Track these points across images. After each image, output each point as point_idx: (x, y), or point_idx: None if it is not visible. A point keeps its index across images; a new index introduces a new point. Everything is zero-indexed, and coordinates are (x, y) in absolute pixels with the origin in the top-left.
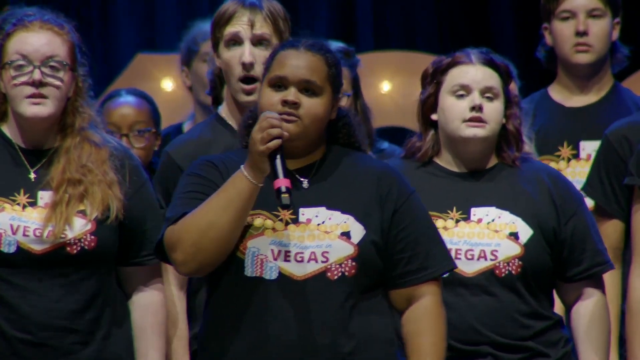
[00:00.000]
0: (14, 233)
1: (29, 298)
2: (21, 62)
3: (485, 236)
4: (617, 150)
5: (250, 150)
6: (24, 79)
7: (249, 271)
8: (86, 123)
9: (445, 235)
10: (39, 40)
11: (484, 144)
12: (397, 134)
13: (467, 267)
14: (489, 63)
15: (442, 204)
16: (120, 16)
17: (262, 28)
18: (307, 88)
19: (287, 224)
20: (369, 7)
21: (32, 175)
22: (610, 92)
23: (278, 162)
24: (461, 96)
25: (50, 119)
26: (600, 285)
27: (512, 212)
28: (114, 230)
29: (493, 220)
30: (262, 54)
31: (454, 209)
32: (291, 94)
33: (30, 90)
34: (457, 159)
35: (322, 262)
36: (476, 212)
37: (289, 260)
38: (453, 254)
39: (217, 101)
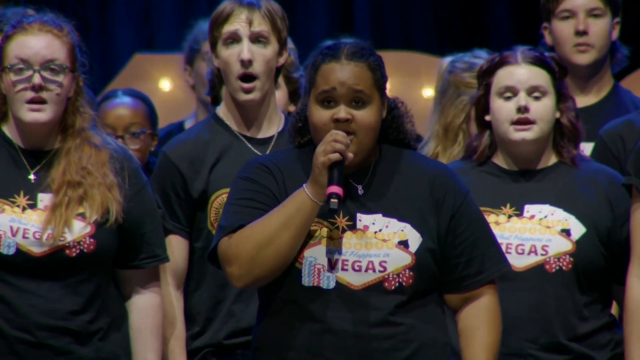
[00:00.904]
0: (13, 235)
1: (27, 298)
2: (21, 66)
3: (537, 231)
4: (612, 149)
5: (313, 164)
6: (24, 84)
7: (306, 281)
8: (87, 123)
9: (496, 230)
10: (39, 44)
11: (534, 145)
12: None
13: (518, 262)
14: (536, 61)
15: (496, 201)
16: (118, 16)
17: (260, 26)
18: (357, 99)
19: (343, 231)
20: (366, 7)
21: (32, 177)
22: (610, 93)
23: (335, 172)
24: (508, 98)
25: (49, 124)
26: None
27: (566, 209)
28: (113, 233)
29: (545, 217)
30: (260, 51)
31: (508, 205)
32: (342, 110)
33: (30, 94)
34: (512, 159)
35: (380, 271)
36: (530, 209)
37: (346, 270)
38: (504, 248)
39: (216, 101)
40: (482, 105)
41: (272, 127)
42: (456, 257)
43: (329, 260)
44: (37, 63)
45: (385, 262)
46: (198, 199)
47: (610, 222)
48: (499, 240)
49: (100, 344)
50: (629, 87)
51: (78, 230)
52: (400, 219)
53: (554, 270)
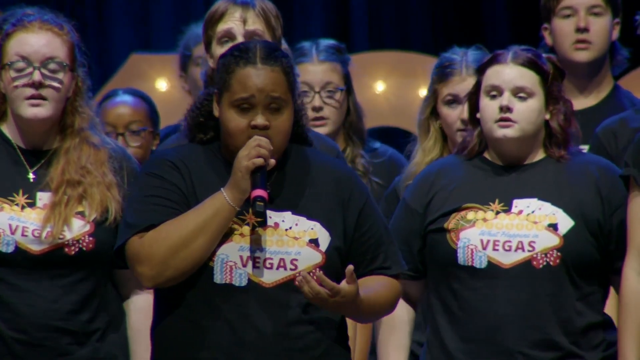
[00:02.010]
0: (12, 233)
1: (26, 298)
2: (21, 64)
3: (524, 227)
4: (605, 146)
5: (235, 168)
6: (23, 80)
7: (218, 278)
8: (86, 123)
9: (483, 227)
10: (39, 41)
11: (517, 143)
12: (391, 134)
13: (505, 258)
14: (525, 62)
15: (485, 196)
16: (115, 16)
17: (255, 24)
18: (274, 105)
19: (254, 227)
20: (363, 7)
21: (31, 176)
22: (609, 94)
23: (258, 176)
24: (494, 97)
25: (49, 121)
26: None
27: (554, 203)
28: (112, 233)
29: (533, 212)
30: None
31: (496, 200)
32: (259, 117)
33: (30, 91)
34: (499, 155)
35: (291, 269)
36: (518, 204)
37: (258, 267)
38: (491, 245)
39: None
40: (473, 102)
41: None
42: (361, 255)
43: (241, 258)
44: (37, 60)
45: (296, 260)
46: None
47: (600, 214)
48: (487, 237)
49: (98, 344)
50: (628, 86)
51: (77, 229)
52: (310, 218)
53: (541, 266)
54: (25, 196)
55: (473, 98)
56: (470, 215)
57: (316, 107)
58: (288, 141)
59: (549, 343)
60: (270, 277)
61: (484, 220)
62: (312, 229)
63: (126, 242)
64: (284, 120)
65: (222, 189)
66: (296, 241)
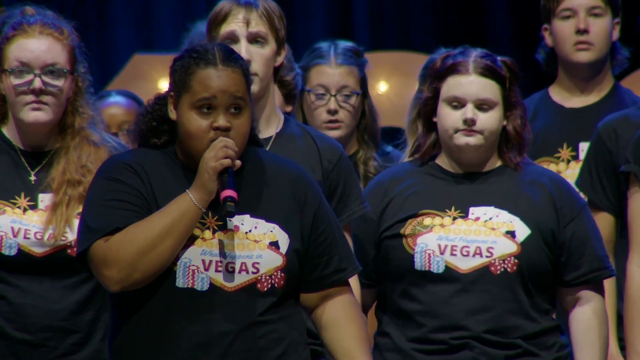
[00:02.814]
0: (15, 236)
1: (29, 299)
2: (21, 70)
3: (482, 233)
4: (606, 143)
5: (201, 169)
6: (24, 87)
7: (180, 282)
8: (86, 122)
9: (441, 232)
10: (39, 47)
11: (479, 151)
12: (393, 135)
13: (463, 264)
14: (486, 71)
15: (441, 203)
16: (117, 16)
17: (258, 26)
18: (235, 106)
19: (214, 231)
20: (365, 7)
21: (33, 178)
22: (610, 93)
23: (226, 177)
24: (455, 107)
25: (50, 124)
26: (599, 291)
27: (511, 211)
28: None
29: (490, 219)
30: (258, 51)
31: (453, 208)
32: (222, 118)
33: (30, 98)
34: (455, 163)
35: (253, 272)
36: (474, 211)
37: (220, 271)
38: (449, 250)
39: None
40: (430, 107)
41: (270, 127)
42: (317, 257)
43: (203, 262)
44: (38, 67)
45: (258, 263)
46: None
47: (554, 224)
48: (444, 242)
49: (102, 344)
50: (629, 87)
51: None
52: (269, 220)
53: (499, 272)
54: (27, 198)
55: (429, 103)
56: (427, 221)
57: (331, 110)
58: (246, 143)
59: (504, 345)
60: (232, 281)
61: (442, 225)
62: (271, 231)
63: (90, 246)
64: (244, 122)
65: (187, 190)
66: (257, 244)
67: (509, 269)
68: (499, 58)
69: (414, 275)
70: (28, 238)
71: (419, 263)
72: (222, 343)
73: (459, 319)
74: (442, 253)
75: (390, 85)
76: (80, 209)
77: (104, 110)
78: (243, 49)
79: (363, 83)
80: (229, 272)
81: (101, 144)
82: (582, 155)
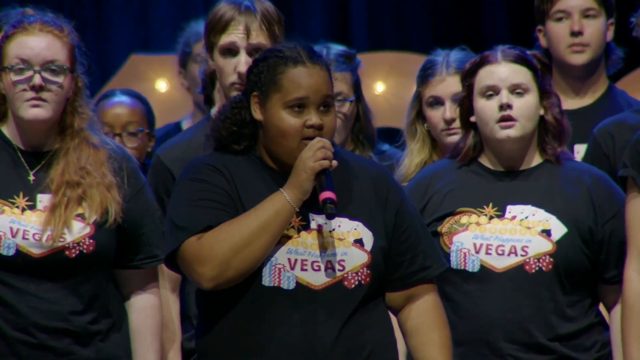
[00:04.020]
0: (13, 236)
1: (27, 299)
2: (21, 66)
3: (517, 232)
4: (602, 146)
5: (298, 168)
6: (24, 84)
7: (266, 281)
8: (85, 123)
9: (477, 231)
10: (39, 44)
11: (519, 143)
12: (391, 135)
13: (498, 263)
14: (516, 59)
15: (479, 201)
16: (115, 17)
17: (258, 37)
18: (325, 104)
19: (299, 231)
20: (363, 8)
21: (32, 178)
22: (605, 94)
23: (325, 178)
24: (490, 96)
25: (49, 122)
26: None
27: (547, 210)
28: (113, 234)
29: (527, 218)
30: None
31: (490, 205)
32: (314, 116)
33: (30, 94)
34: (497, 158)
35: (339, 270)
36: (511, 210)
37: (305, 270)
38: (484, 249)
39: (208, 100)
40: (466, 106)
41: None
42: (401, 255)
43: (289, 260)
44: (38, 64)
45: (343, 260)
46: None
47: (592, 222)
48: (479, 241)
49: (101, 345)
50: (624, 89)
51: (77, 231)
52: (352, 218)
53: (533, 271)
54: (26, 198)
55: (465, 102)
56: (464, 219)
57: None
58: None
59: (540, 347)
60: (318, 280)
61: (477, 224)
62: (355, 229)
63: (180, 245)
64: (333, 119)
65: (281, 189)
66: (341, 242)
67: (544, 268)
68: (528, 52)
69: (450, 274)
70: (26, 239)
71: (454, 262)
72: (309, 342)
73: (493, 318)
74: (477, 252)
75: (388, 85)
76: (79, 211)
77: (108, 110)
78: (242, 61)
79: (356, 87)
80: (315, 270)
81: (100, 145)
82: (577, 157)
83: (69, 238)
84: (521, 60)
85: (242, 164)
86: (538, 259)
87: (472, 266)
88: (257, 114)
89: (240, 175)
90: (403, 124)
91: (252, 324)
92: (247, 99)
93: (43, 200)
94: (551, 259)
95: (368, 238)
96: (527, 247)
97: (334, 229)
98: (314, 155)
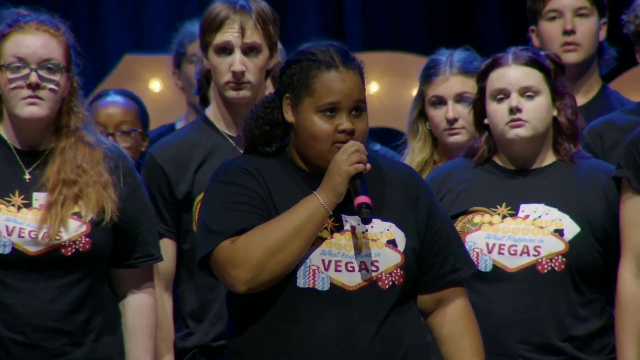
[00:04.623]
0: (9, 234)
1: (22, 299)
2: (17, 65)
3: (530, 232)
4: (591, 147)
5: (332, 172)
6: (20, 82)
7: (301, 282)
8: (81, 123)
9: (490, 230)
10: (36, 42)
11: (530, 143)
12: (385, 135)
13: (510, 263)
14: (527, 61)
15: (492, 200)
16: (109, 17)
17: (253, 36)
18: (357, 108)
19: (332, 232)
20: (357, 8)
21: (27, 176)
22: (597, 95)
23: (359, 182)
24: (501, 99)
25: (45, 120)
26: None
27: (561, 209)
28: (109, 233)
29: (540, 217)
30: (252, 61)
31: (503, 204)
32: (346, 121)
33: (26, 92)
34: (510, 158)
35: (373, 271)
36: (525, 209)
37: (340, 271)
38: (496, 249)
39: (204, 100)
40: (479, 108)
41: None
42: (433, 256)
43: (323, 262)
44: (34, 62)
45: (377, 261)
46: (183, 200)
47: (606, 220)
48: (492, 241)
49: (95, 345)
50: (618, 89)
51: (74, 229)
52: (384, 219)
53: (546, 270)
54: (22, 197)
55: (478, 104)
56: (477, 218)
57: None
58: None
59: (551, 348)
60: (352, 280)
61: (490, 224)
62: (387, 229)
63: (214, 249)
64: (365, 123)
65: (314, 192)
66: (375, 243)
67: (556, 268)
68: (542, 52)
69: None
70: (22, 237)
71: None
72: (345, 343)
73: (505, 318)
74: (489, 252)
75: (382, 85)
76: (75, 209)
77: (102, 109)
78: (237, 60)
79: None
80: (349, 271)
81: (96, 144)
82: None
83: (65, 236)
84: (532, 63)
85: (273, 166)
86: (550, 259)
87: (485, 266)
88: (289, 116)
89: (272, 178)
90: (397, 124)
91: (286, 325)
92: (279, 99)
93: (39, 198)
94: (564, 259)
95: (401, 239)
96: (539, 247)
97: (366, 230)
98: (349, 159)
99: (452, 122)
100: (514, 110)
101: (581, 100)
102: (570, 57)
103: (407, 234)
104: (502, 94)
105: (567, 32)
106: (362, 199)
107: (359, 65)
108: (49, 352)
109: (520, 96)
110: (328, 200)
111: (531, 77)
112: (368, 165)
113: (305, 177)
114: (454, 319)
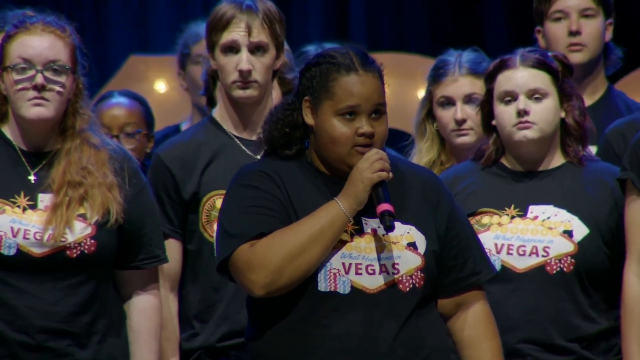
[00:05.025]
0: (14, 236)
1: (27, 300)
2: (23, 66)
3: (539, 233)
4: (614, 147)
5: (355, 179)
6: (26, 83)
7: (322, 286)
8: (86, 124)
9: (498, 231)
10: (42, 44)
11: (537, 145)
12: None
13: (519, 263)
14: (535, 63)
15: (501, 201)
16: (113, 18)
17: (260, 35)
18: (376, 111)
19: (352, 235)
20: (361, 8)
21: (32, 178)
22: (603, 96)
23: (381, 190)
24: (509, 102)
25: (51, 121)
26: None
27: (570, 210)
28: (114, 234)
29: (549, 218)
30: (259, 60)
31: (512, 206)
32: (365, 124)
33: (32, 94)
34: (518, 160)
35: (394, 273)
36: (533, 210)
37: (360, 274)
38: (505, 249)
39: (211, 101)
40: (486, 110)
41: None
42: (452, 259)
43: (343, 265)
44: (40, 63)
45: (397, 264)
46: (189, 201)
47: (614, 223)
48: (501, 242)
49: (99, 346)
50: (624, 89)
51: (79, 231)
52: (404, 222)
53: (554, 271)
54: (27, 198)
55: (486, 106)
56: (486, 219)
57: None
58: None
59: (559, 348)
60: (373, 283)
61: (499, 224)
62: (408, 232)
63: (232, 252)
64: (384, 127)
65: (335, 198)
66: (395, 245)
67: (565, 269)
68: (550, 53)
69: None
70: (27, 238)
71: None
72: (367, 345)
73: (513, 319)
74: (498, 252)
75: (386, 86)
76: (80, 211)
77: (106, 111)
78: (244, 59)
79: None
80: (370, 274)
81: (101, 146)
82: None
83: (70, 238)
84: (540, 65)
85: (293, 169)
86: (559, 260)
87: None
88: (309, 119)
89: (291, 181)
90: (401, 125)
91: (307, 328)
92: (299, 101)
93: (44, 200)
94: (572, 260)
95: (421, 241)
96: (548, 247)
97: (387, 233)
98: (372, 167)
99: (460, 122)
100: (521, 113)
101: (587, 101)
102: (576, 58)
103: (427, 237)
104: (510, 96)
105: (573, 33)
106: (385, 206)
107: (379, 68)
108: (54, 353)
109: (528, 98)
110: (349, 207)
111: (538, 79)
112: (390, 174)
113: (325, 180)
114: (474, 323)
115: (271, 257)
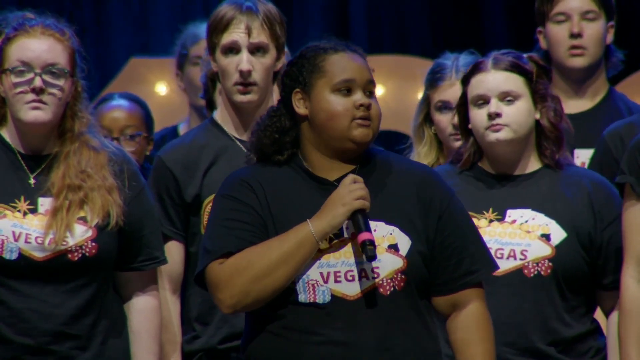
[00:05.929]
0: (16, 240)
1: (29, 303)
2: (22, 69)
3: (517, 236)
4: (612, 150)
5: (334, 201)
6: (24, 86)
7: (302, 297)
8: (85, 127)
9: None
10: (41, 47)
11: (511, 146)
12: (390, 138)
13: None
14: (507, 66)
15: (479, 205)
16: (114, 20)
17: (260, 36)
18: (369, 90)
19: (330, 240)
20: (362, 11)
21: (32, 181)
22: (604, 98)
23: (360, 218)
24: (481, 105)
25: (49, 124)
26: None
27: (547, 214)
28: (114, 237)
29: (526, 222)
30: (259, 61)
31: (490, 210)
32: (363, 97)
33: (31, 96)
34: (493, 163)
35: (373, 278)
36: (511, 214)
37: (339, 281)
38: None
39: (210, 104)
40: (462, 113)
41: None
42: (446, 259)
43: (321, 274)
44: (39, 66)
45: (377, 267)
46: (192, 203)
47: (591, 227)
48: None
49: (101, 348)
50: (624, 91)
51: (80, 234)
52: (388, 222)
53: (532, 275)
54: (27, 202)
55: (462, 109)
56: None
57: None
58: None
59: (536, 351)
60: (353, 290)
61: (477, 227)
62: (390, 234)
63: (204, 269)
64: (378, 107)
65: (308, 220)
66: (375, 249)
67: (542, 272)
68: (525, 55)
69: None
70: (29, 242)
71: None
72: (350, 352)
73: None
74: None
75: (387, 88)
76: (80, 214)
77: (106, 114)
78: (244, 60)
79: None
80: (349, 280)
81: (100, 149)
82: (577, 162)
83: (71, 241)
84: (512, 67)
85: (282, 176)
86: (537, 263)
87: None
88: (302, 109)
89: (276, 190)
90: (402, 127)
91: (292, 335)
92: (285, 105)
93: (44, 203)
94: (550, 264)
95: (404, 243)
96: (526, 251)
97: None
98: (354, 193)
99: (457, 127)
100: (492, 116)
101: (588, 103)
102: (577, 61)
103: (413, 238)
104: (482, 100)
105: (574, 35)
106: (365, 235)
107: (362, 53)
108: (56, 355)
109: (500, 101)
110: (321, 230)
111: (510, 81)
112: (368, 204)
113: (314, 185)
114: (466, 325)
115: (237, 279)
